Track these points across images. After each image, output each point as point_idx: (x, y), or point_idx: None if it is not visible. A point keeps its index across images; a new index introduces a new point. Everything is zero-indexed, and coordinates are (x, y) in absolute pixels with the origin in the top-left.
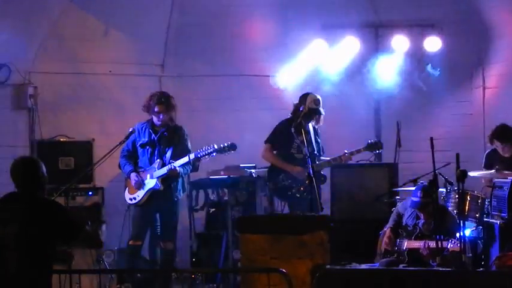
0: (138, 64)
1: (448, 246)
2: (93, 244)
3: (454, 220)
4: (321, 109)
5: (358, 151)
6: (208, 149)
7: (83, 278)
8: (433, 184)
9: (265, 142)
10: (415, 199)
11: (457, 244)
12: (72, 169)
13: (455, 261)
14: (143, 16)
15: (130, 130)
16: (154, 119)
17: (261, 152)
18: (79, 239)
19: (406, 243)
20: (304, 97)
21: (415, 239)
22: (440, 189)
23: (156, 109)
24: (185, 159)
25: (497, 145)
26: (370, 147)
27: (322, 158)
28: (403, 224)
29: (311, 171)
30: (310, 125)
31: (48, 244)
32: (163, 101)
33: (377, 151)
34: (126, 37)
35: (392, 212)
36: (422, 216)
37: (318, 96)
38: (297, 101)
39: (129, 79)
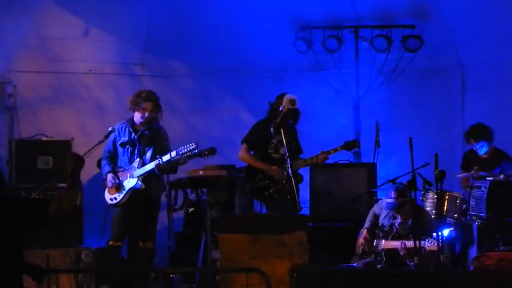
0: (118, 63)
1: (425, 246)
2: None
3: (430, 219)
4: (298, 109)
5: (335, 150)
6: (189, 146)
7: (61, 278)
8: (412, 184)
9: (242, 142)
10: (389, 200)
11: (434, 244)
12: (51, 168)
13: (433, 261)
14: (123, 15)
15: (109, 129)
16: (137, 116)
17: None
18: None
19: (383, 244)
20: (280, 97)
21: (392, 239)
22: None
23: (143, 105)
24: (168, 157)
25: (472, 144)
26: (347, 145)
27: (299, 157)
28: (380, 224)
29: (290, 171)
30: (289, 125)
31: (19, 241)
32: (152, 99)
33: (354, 149)
34: (106, 36)
35: (369, 212)
36: (399, 216)
37: (294, 96)
38: (272, 101)
39: (109, 78)
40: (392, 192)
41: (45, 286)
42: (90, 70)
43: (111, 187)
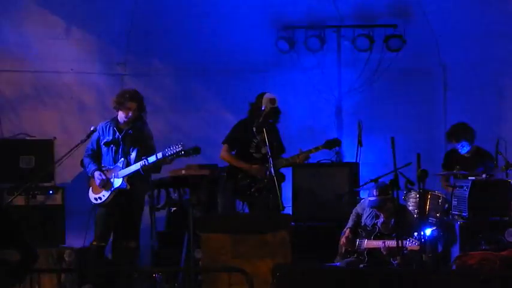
0: (100, 62)
1: (407, 245)
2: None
3: (413, 218)
4: (279, 107)
5: (316, 149)
6: (176, 147)
7: (43, 278)
8: (394, 184)
9: (223, 142)
10: (371, 198)
11: (416, 243)
12: (33, 168)
13: (415, 260)
14: (105, 14)
15: (91, 129)
16: (121, 115)
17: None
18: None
19: (365, 243)
20: (260, 97)
21: (374, 239)
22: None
23: (127, 105)
24: (153, 158)
25: (454, 143)
26: (328, 144)
27: (281, 157)
28: (362, 224)
29: (272, 170)
30: (270, 124)
31: None
32: (136, 99)
33: (336, 148)
34: (87, 35)
35: (351, 212)
36: (382, 215)
37: (274, 95)
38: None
39: (90, 77)
40: (375, 190)
41: (27, 286)
42: (71, 69)
43: (99, 184)
